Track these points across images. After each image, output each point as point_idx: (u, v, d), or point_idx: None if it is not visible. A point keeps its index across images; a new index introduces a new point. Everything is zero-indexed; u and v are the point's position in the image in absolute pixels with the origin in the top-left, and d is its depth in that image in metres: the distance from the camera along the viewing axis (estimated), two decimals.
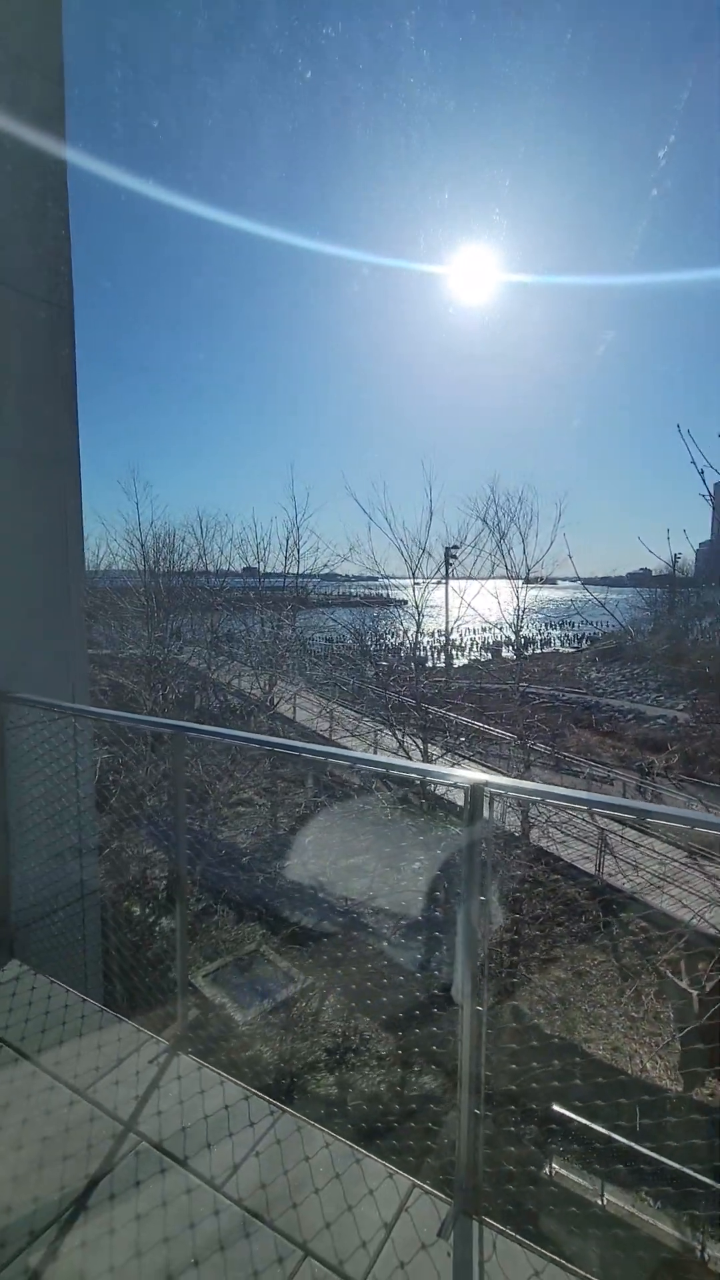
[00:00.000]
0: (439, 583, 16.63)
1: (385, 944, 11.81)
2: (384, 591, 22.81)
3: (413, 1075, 9.25)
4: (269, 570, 19.10)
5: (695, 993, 10.72)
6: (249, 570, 20.19)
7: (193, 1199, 1.99)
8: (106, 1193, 2.02)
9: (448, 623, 20.73)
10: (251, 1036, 9.70)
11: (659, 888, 12.48)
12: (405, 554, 15.09)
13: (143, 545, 18.60)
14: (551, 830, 13.05)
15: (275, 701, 17.56)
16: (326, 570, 18.34)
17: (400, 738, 13.95)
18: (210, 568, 20.80)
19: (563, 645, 54.69)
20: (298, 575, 18.21)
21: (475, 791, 1.96)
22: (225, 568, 20.94)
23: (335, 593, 27.66)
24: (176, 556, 19.72)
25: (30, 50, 3.60)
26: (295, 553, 17.55)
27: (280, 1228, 1.90)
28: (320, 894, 13.38)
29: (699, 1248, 6.71)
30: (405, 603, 18.21)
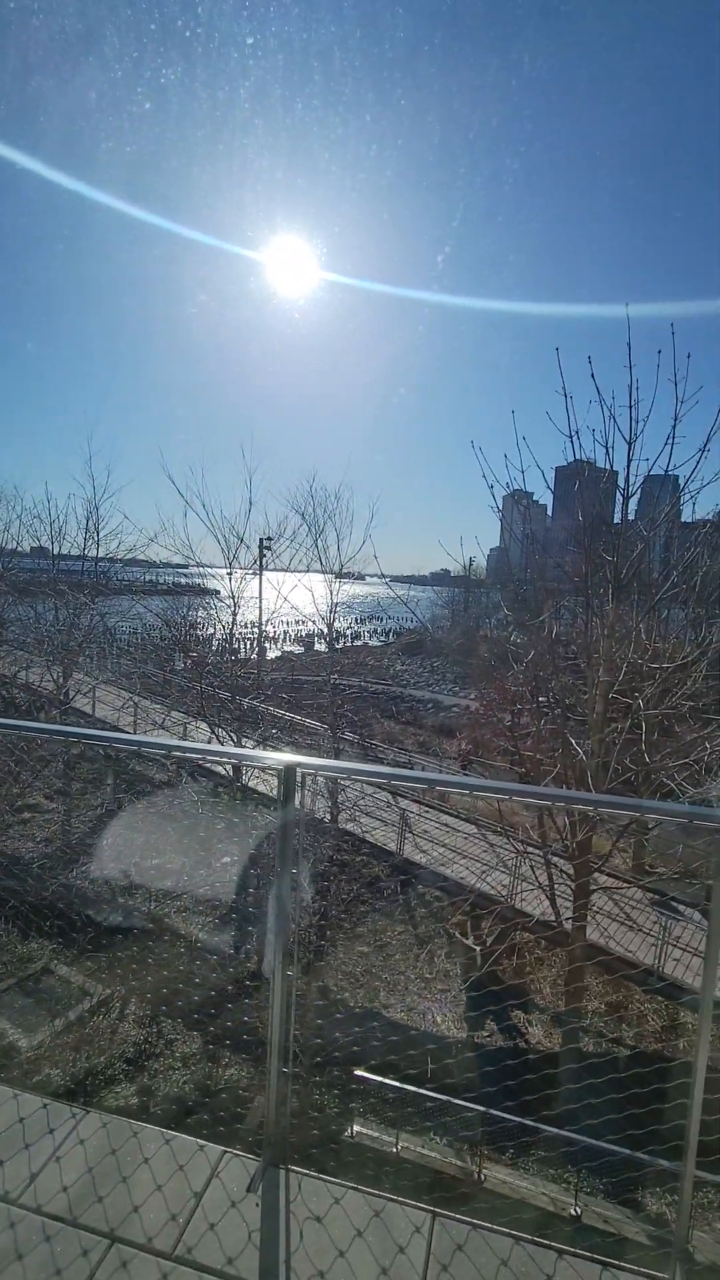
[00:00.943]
0: (255, 574, 16.60)
1: (195, 942, 11.58)
2: (199, 581, 22.13)
3: (224, 1059, 9.23)
4: (64, 552, 17.43)
5: (478, 949, 12.10)
6: (39, 551, 18.26)
7: None
8: None
9: (261, 614, 20.78)
10: (42, 1058, 8.93)
11: (452, 860, 13.81)
12: (222, 542, 14.82)
13: None
14: (359, 816, 13.78)
15: (71, 695, 16.19)
16: (132, 555, 17.27)
17: (213, 730, 13.72)
18: None
19: (372, 639, 57.59)
20: (98, 559, 16.91)
21: (288, 772, 2.07)
22: (13, 546, 18.75)
23: (143, 579, 26.19)
24: None
25: None
26: (95, 534, 16.28)
27: (85, 1223, 1.85)
28: (121, 898, 12.69)
29: (476, 1170, 7.64)
30: (219, 593, 17.85)
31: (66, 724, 15.81)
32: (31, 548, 18.30)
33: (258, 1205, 1.92)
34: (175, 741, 2.57)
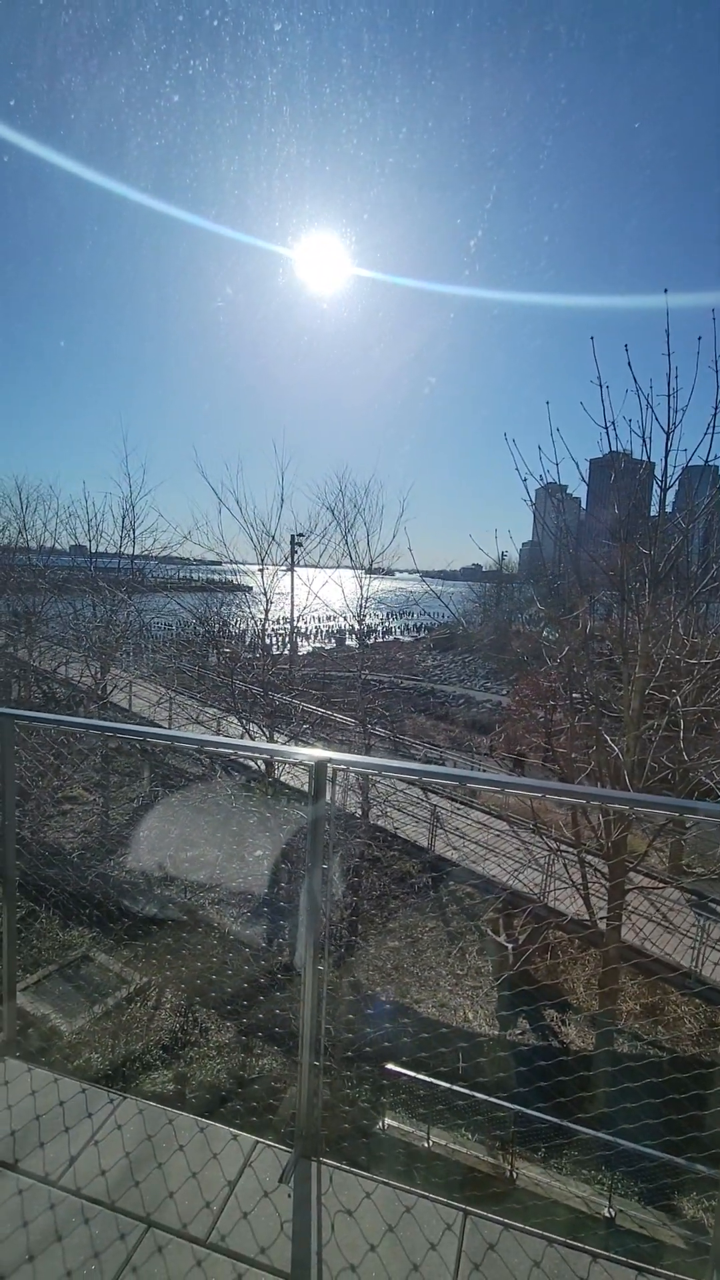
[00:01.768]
0: (287, 570, 16.69)
1: (228, 934, 11.76)
2: (230, 577, 22.37)
3: (257, 1049, 9.36)
4: (101, 550, 17.80)
5: (510, 946, 12.01)
6: (78, 549, 18.68)
7: (24, 1198, 1.92)
8: None
9: (293, 610, 20.91)
10: (82, 1044, 9.18)
11: (484, 857, 13.72)
12: (254, 539, 14.92)
13: None
14: (390, 811, 13.79)
15: (108, 690, 16.55)
16: (166, 552, 17.53)
17: (245, 725, 13.86)
18: (33, 544, 18.96)
19: (403, 634, 57.47)
20: (134, 556, 17.21)
21: (319, 767, 2.07)
22: (51, 545, 19.21)
23: (177, 576, 26.58)
24: None
25: None
26: (131, 532, 16.56)
27: (121, 1207, 1.90)
28: (157, 889, 12.95)
29: (508, 1168, 7.60)
30: (250, 589, 18.01)
31: (104, 718, 16.18)
32: (70, 545, 18.73)
33: (289, 1196, 1.94)
34: (208, 736, 2.61)
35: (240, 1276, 1.74)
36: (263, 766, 13.70)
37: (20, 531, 18.60)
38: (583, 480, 9.59)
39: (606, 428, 8.51)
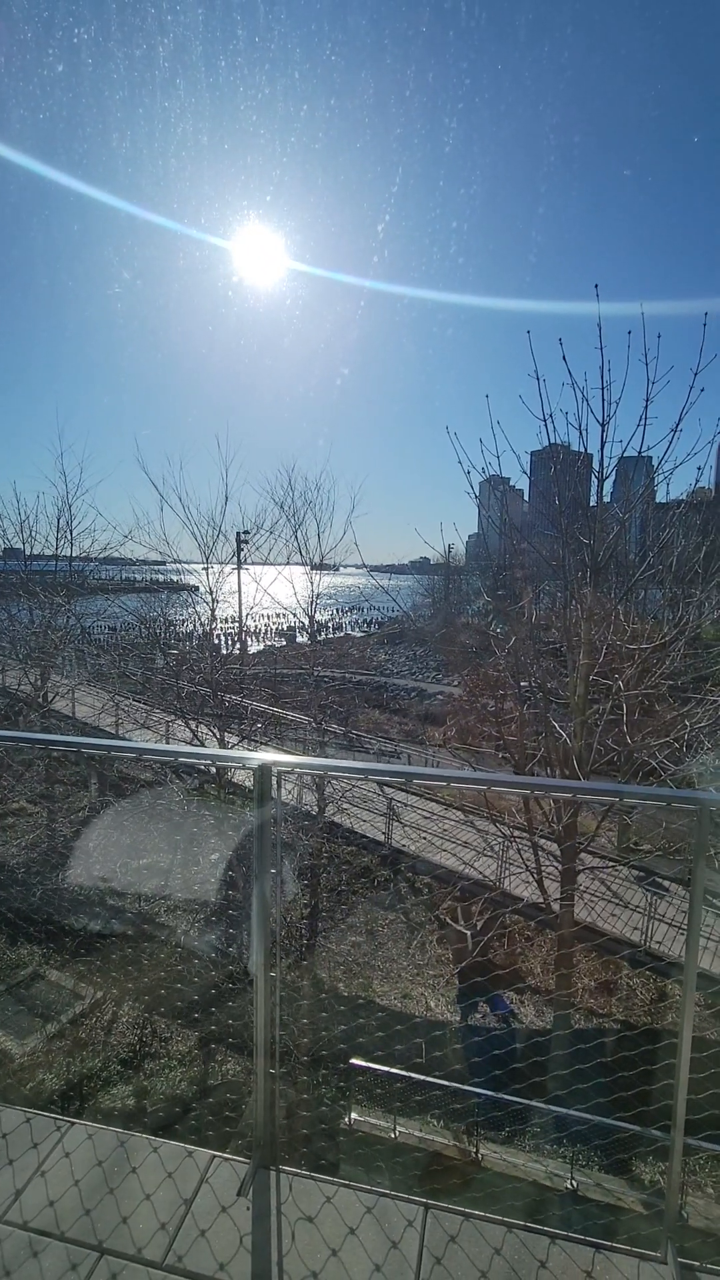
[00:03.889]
0: (234, 568, 16.42)
1: (182, 938, 11.54)
2: (174, 577, 21.87)
3: (219, 1056, 9.22)
4: (36, 553, 17.10)
5: (469, 933, 12.22)
6: (10, 552, 17.88)
7: None
8: None
9: (240, 608, 20.60)
10: (35, 1065, 8.86)
11: (440, 847, 13.89)
12: (199, 537, 14.60)
13: None
14: (346, 806, 13.79)
15: (50, 697, 15.96)
16: (106, 553, 16.98)
17: (194, 727, 13.59)
18: None
19: (354, 630, 57.54)
20: (71, 558, 16.60)
21: (263, 771, 2.03)
22: None
23: (118, 578, 25.84)
24: None
25: None
26: (68, 533, 15.97)
27: (72, 1237, 1.82)
28: (109, 900, 12.60)
29: (474, 1151, 7.74)
30: (197, 588, 17.64)
31: (47, 726, 15.60)
32: (3, 549, 17.93)
33: (248, 1209, 1.90)
34: (146, 745, 2.52)
35: None
36: (214, 770, 13.47)
37: None
38: (524, 472, 9.79)
39: (545, 420, 8.70)
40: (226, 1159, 2.07)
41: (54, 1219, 1.88)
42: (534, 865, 9.64)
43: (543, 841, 9.82)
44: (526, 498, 16.79)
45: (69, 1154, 2.09)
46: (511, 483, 12.04)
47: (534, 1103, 7.81)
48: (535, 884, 9.69)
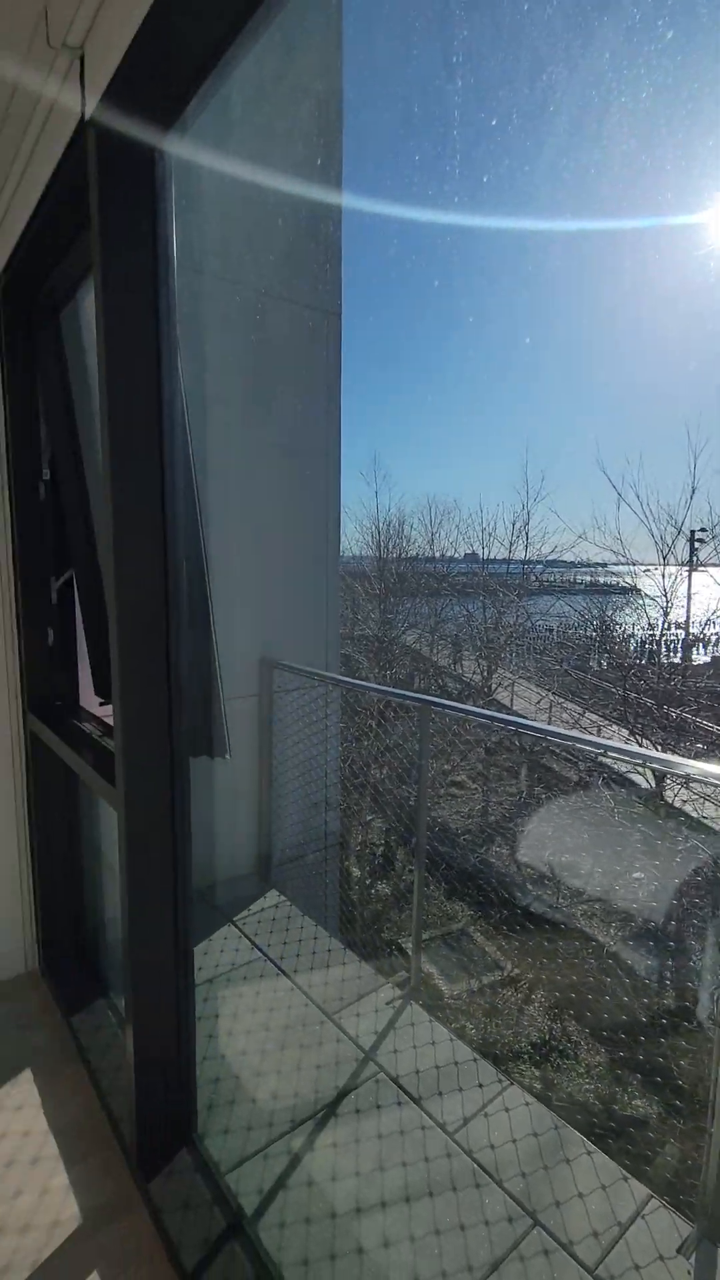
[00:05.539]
0: (690, 570, 14.92)
1: (606, 952, 11.17)
2: (618, 580, 21.20)
3: (631, 1088, 8.69)
4: (491, 556, 19.09)
5: None
6: (470, 556, 20.38)
7: (427, 1136, 2.16)
8: (352, 1106, 2.28)
9: (688, 613, 18.54)
10: (459, 1010, 9.92)
11: None
12: (657, 535, 13.77)
13: (377, 532, 19.80)
14: None
15: (493, 688, 17.44)
16: (554, 555, 17.66)
17: (637, 739, 12.91)
18: (437, 554, 21.41)
19: None
20: (524, 561, 17.77)
21: None
22: (450, 554, 21.39)
23: (561, 578, 26.48)
24: (405, 543, 20.69)
25: (317, 87, 3.96)
26: (523, 537, 17.15)
27: (509, 1190, 1.97)
28: (531, 886, 13.10)
29: None
30: (638, 590, 16.71)
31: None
32: (465, 553, 20.56)
33: (689, 1274, 1.73)
34: (617, 744, 2.49)
35: None
36: (652, 784, 12.55)
37: (430, 543, 21.41)
38: None
39: None
40: (665, 1206, 1.93)
41: (494, 1163, 2.06)
42: None
43: None
44: None
45: (507, 1110, 2.27)
46: None
47: None
48: None
